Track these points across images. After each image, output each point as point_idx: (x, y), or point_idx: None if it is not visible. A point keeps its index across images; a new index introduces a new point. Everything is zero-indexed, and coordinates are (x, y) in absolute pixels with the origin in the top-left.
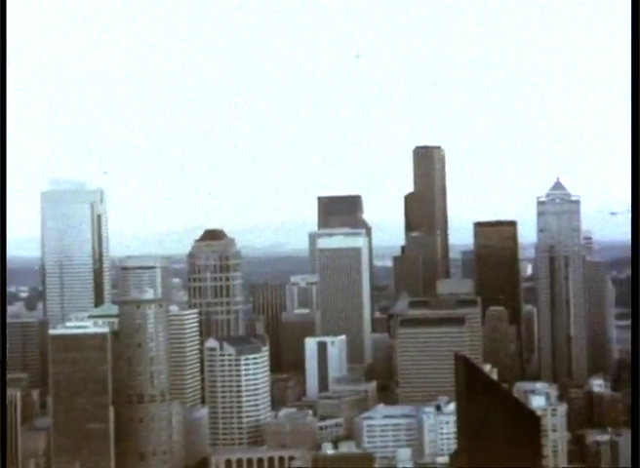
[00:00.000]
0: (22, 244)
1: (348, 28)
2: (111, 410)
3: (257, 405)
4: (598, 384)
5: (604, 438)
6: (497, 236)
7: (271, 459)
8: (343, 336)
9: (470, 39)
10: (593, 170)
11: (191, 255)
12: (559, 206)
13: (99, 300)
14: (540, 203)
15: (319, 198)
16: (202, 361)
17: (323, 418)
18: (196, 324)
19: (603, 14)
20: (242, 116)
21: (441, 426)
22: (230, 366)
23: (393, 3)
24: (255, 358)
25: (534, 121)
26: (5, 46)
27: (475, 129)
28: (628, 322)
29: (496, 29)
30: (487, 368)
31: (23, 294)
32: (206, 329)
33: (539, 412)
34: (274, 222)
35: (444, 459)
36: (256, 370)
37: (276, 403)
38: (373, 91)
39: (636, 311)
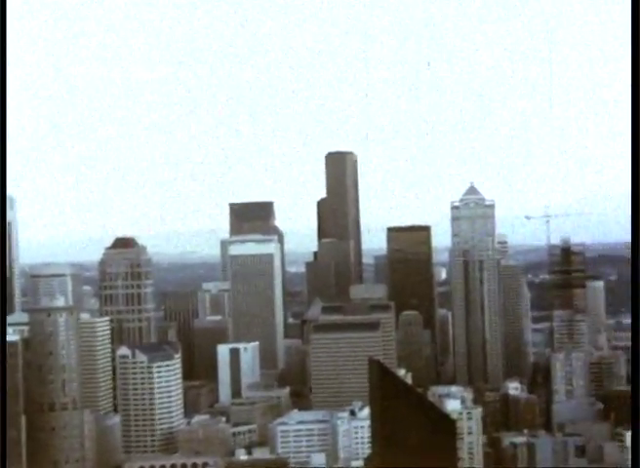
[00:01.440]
0: None
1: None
2: (23, 419)
3: (169, 412)
4: (514, 387)
5: (520, 440)
6: (410, 241)
7: (184, 466)
8: (256, 343)
9: (380, 42)
10: (508, 174)
11: (102, 263)
12: (473, 210)
13: (9, 308)
14: (455, 207)
15: (231, 205)
16: (114, 368)
17: (236, 425)
18: (108, 331)
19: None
20: (155, 124)
21: (355, 431)
22: (143, 373)
23: None
24: (167, 365)
25: (448, 126)
26: (5, 46)
27: (388, 134)
28: (543, 325)
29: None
30: (401, 372)
31: None
32: (118, 336)
33: (454, 416)
34: (186, 229)
35: (358, 464)
36: (168, 377)
37: (189, 410)
38: (283, 95)
39: (636, 311)
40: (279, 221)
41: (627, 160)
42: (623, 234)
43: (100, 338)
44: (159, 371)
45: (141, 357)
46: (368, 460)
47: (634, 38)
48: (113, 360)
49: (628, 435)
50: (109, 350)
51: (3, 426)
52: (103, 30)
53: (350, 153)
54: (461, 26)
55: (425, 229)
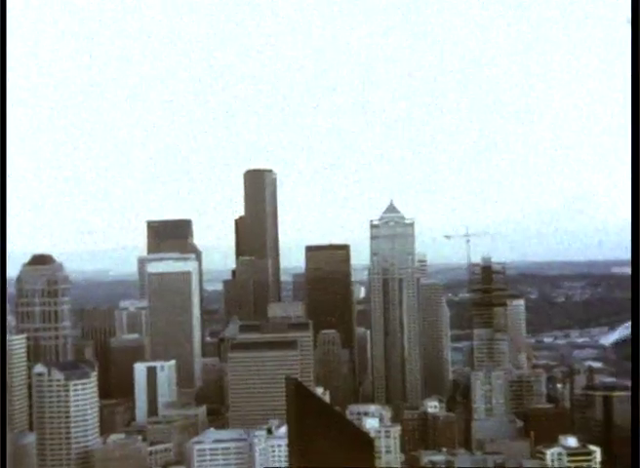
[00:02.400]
0: None
1: None
2: None
3: (85, 430)
4: (433, 405)
5: (439, 458)
6: (329, 259)
7: None
8: (173, 361)
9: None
10: (428, 193)
11: (19, 280)
12: (393, 229)
13: None
14: (374, 226)
15: (148, 222)
16: (30, 386)
17: (153, 443)
18: (24, 349)
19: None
20: (72, 141)
21: (272, 449)
22: (59, 391)
23: None
24: (83, 383)
25: (368, 145)
26: (5, 47)
27: (308, 152)
28: (463, 343)
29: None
30: (319, 391)
31: None
32: (34, 354)
33: (372, 434)
34: (104, 247)
35: None
36: (84, 395)
37: (105, 428)
38: (203, 112)
39: (636, 311)
40: (197, 239)
41: (553, 178)
42: (544, 253)
43: (17, 356)
44: (75, 390)
45: (58, 375)
46: None
47: (634, 38)
48: (29, 377)
49: (549, 453)
50: (25, 368)
51: (3, 426)
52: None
53: (269, 171)
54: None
55: (344, 248)
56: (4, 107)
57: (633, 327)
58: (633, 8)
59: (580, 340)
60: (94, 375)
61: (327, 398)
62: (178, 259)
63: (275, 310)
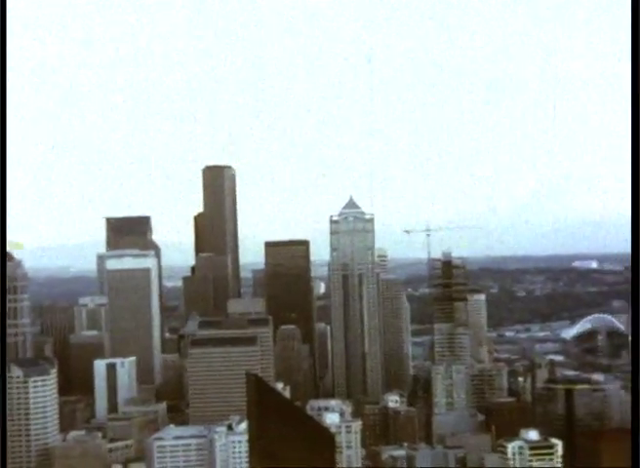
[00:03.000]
0: None
1: None
2: None
3: (45, 428)
4: (393, 400)
5: (400, 453)
6: (288, 255)
7: None
8: (133, 358)
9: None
10: (388, 188)
11: None
12: (352, 224)
13: None
14: (334, 222)
15: (107, 219)
16: None
17: (113, 440)
18: None
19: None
20: (28, 136)
21: (233, 445)
22: (18, 388)
23: None
24: (43, 380)
25: (328, 140)
26: (5, 47)
27: (268, 148)
28: (424, 338)
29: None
30: (279, 386)
31: None
32: None
33: (333, 429)
34: (62, 243)
35: None
36: (44, 392)
37: (65, 425)
38: (161, 107)
39: (636, 311)
40: (156, 236)
41: (514, 173)
42: (505, 247)
43: None
44: (35, 387)
45: (17, 372)
46: None
47: (634, 38)
48: None
49: (510, 446)
50: None
51: (3, 426)
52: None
53: (228, 167)
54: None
55: (304, 243)
56: (4, 108)
57: (633, 326)
58: (633, 8)
59: (542, 334)
60: (53, 372)
61: (287, 393)
62: (137, 256)
63: (235, 306)
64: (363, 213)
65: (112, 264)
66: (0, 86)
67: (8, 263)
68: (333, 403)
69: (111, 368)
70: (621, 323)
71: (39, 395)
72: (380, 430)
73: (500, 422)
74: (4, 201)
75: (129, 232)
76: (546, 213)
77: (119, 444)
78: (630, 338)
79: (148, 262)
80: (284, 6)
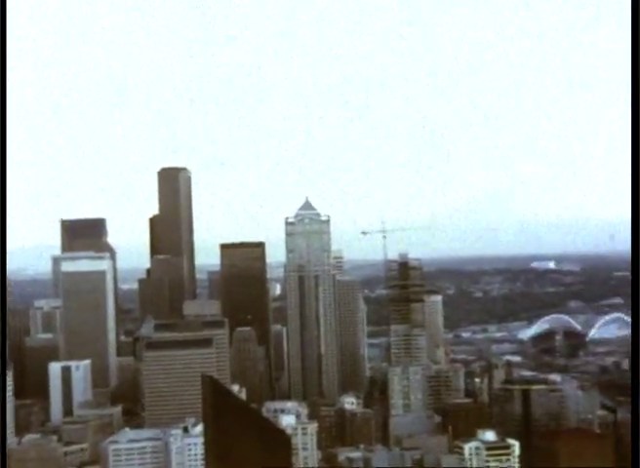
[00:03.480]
0: None
1: None
2: None
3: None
4: (349, 402)
5: (356, 454)
6: (244, 257)
7: None
8: (88, 361)
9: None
10: (344, 190)
11: None
12: (308, 226)
13: None
14: (289, 223)
15: (62, 221)
16: None
17: (68, 443)
18: None
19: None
20: None
21: (189, 448)
22: None
23: None
24: None
25: (283, 142)
26: (5, 46)
27: (223, 149)
28: (380, 339)
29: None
30: (235, 388)
31: None
32: None
33: (289, 431)
34: (17, 246)
35: None
36: None
37: (20, 428)
38: (116, 108)
39: (636, 310)
40: (111, 238)
41: (472, 173)
42: (462, 248)
43: None
44: None
45: None
46: None
47: (634, 38)
48: None
49: (467, 447)
50: None
51: (3, 426)
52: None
53: (184, 169)
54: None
55: (259, 245)
56: (4, 108)
57: (633, 326)
58: (633, 8)
59: (499, 335)
60: (8, 375)
61: (243, 395)
62: (92, 258)
63: (190, 308)
64: (319, 214)
65: (67, 267)
66: (0, 86)
67: None
68: (289, 404)
69: (66, 371)
70: (578, 323)
71: None
72: (337, 432)
73: (457, 423)
74: (4, 201)
75: (84, 234)
76: (503, 214)
77: (74, 447)
78: (631, 340)
79: (103, 265)
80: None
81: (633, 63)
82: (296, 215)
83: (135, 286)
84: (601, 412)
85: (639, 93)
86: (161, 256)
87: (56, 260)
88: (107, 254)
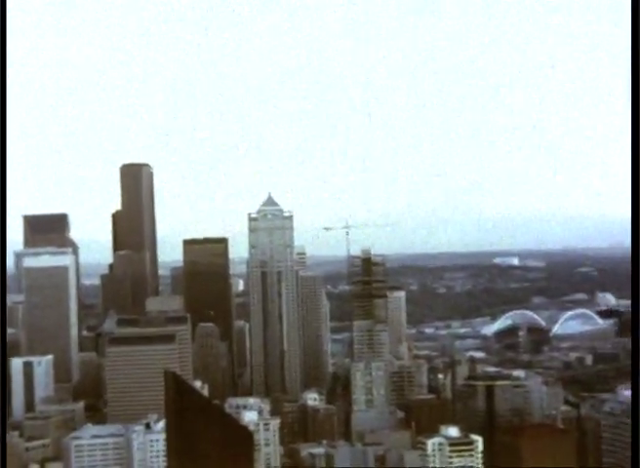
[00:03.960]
0: None
1: None
2: None
3: None
4: (312, 397)
5: (318, 450)
6: (206, 253)
7: None
8: (50, 356)
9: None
10: (307, 185)
11: None
12: (271, 222)
13: None
14: (252, 219)
15: (24, 216)
16: None
17: (30, 439)
18: None
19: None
20: None
21: (151, 444)
22: None
23: None
24: None
25: (246, 137)
26: (5, 46)
27: (186, 145)
28: (343, 335)
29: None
30: (198, 384)
31: None
32: None
33: (251, 427)
34: None
35: None
36: None
37: None
38: (78, 105)
39: (636, 311)
40: (74, 233)
41: (437, 169)
42: (426, 244)
43: None
44: None
45: None
46: None
47: (634, 38)
48: None
49: (430, 443)
50: None
51: (3, 426)
52: None
53: (146, 165)
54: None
55: (222, 241)
56: (4, 107)
57: (633, 326)
58: (633, 8)
59: (462, 331)
60: None
61: (205, 391)
62: (54, 254)
63: (153, 304)
64: (281, 210)
65: (30, 262)
66: (0, 86)
67: None
68: (251, 401)
69: (28, 366)
70: (542, 319)
71: None
72: (299, 428)
73: (420, 419)
74: (4, 201)
75: (46, 230)
76: (466, 210)
77: (36, 443)
78: (631, 340)
79: (66, 260)
80: None
81: (633, 64)
82: (258, 211)
83: (97, 281)
84: (565, 408)
85: (639, 93)
86: (123, 252)
87: (18, 256)
88: (70, 250)
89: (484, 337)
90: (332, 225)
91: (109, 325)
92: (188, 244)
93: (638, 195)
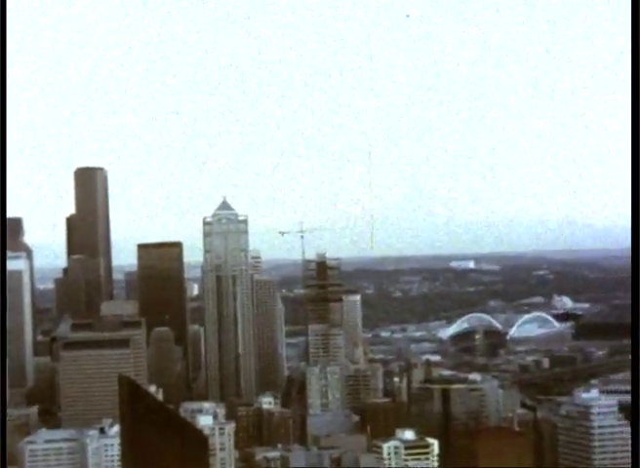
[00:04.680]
0: None
1: None
2: None
3: None
4: (267, 401)
5: (274, 454)
6: (161, 257)
7: None
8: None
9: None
10: (262, 189)
11: None
12: (226, 226)
13: None
14: (207, 223)
15: None
16: None
17: None
18: None
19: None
20: None
21: (105, 449)
22: None
23: None
24: None
25: (202, 142)
26: (5, 46)
27: (142, 149)
28: (298, 339)
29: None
30: (152, 389)
31: None
32: None
33: (206, 432)
34: None
35: None
36: None
37: None
38: (33, 108)
39: (636, 310)
40: (28, 237)
41: (391, 173)
42: (381, 249)
43: None
44: None
45: None
46: None
47: (634, 38)
48: None
49: (385, 446)
50: None
51: (3, 425)
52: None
53: (100, 169)
54: None
55: (177, 245)
56: (4, 106)
57: (633, 326)
58: (633, 8)
59: (418, 334)
60: None
61: (160, 396)
62: (8, 258)
63: (107, 308)
64: (236, 214)
65: None
66: (0, 86)
67: None
68: (206, 405)
69: None
70: (498, 322)
71: None
72: (254, 431)
73: (376, 422)
74: (4, 200)
75: None
76: (422, 214)
77: None
78: (631, 340)
79: (20, 264)
80: None
81: (633, 64)
82: (213, 215)
83: (51, 285)
84: (521, 411)
85: (639, 92)
86: (78, 256)
87: None
88: (24, 254)
89: (440, 341)
90: (287, 229)
91: (64, 329)
92: (143, 248)
93: (638, 195)
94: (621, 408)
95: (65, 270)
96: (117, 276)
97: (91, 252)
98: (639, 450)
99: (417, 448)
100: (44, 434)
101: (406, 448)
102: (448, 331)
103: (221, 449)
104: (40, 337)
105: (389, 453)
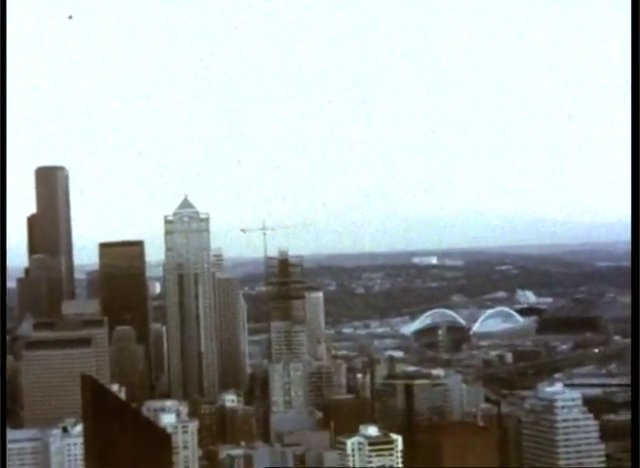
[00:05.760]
0: None
1: None
2: None
3: None
4: (230, 399)
5: (237, 452)
6: (123, 256)
7: None
8: None
9: None
10: (224, 187)
11: None
12: (187, 224)
13: None
14: (168, 222)
15: None
16: None
17: None
18: None
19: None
20: None
21: (68, 448)
22: None
23: None
24: None
25: (164, 140)
26: (5, 46)
27: (101, 148)
28: (261, 336)
29: None
30: (115, 387)
31: None
32: None
33: (169, 430)
34: None
35: None
36: None
37: None
38: None
39: (636, 310)
40: None
41: (353, 171)
42: (343, 245)
43: None
44: None
45: None
46: None
47: (634, 38)
48: None
49: (349, 442)
50: None
51: (3, 424)
52: None
53: (61, 168)
54: None
55: (138, 244)
56: (4, 106)
57: (633, 327)
58: (633, 8)
59: (381, 330)
60: None
61: (123, 395)
62: None
63: (69, 307)
64: (198, 212)
65: None
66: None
67: None
68: (169, 403)
69: None
70: (462, 317)
71: None
72: (218, 429)
73: (339, 419)
74: (4, 200)
75: None
76: (383, 210)
77: None
78: (631, 340)
79: None
80: None
81: (633, 64)
82: (174, 214)
83: (13, 285)
84: (485, 406)
85: (639, 92)
86: (39, 256)
87: None
88: None
89: (403, 337)
90: (249, 227)
91: (26, 328)
92: (104, 247)
93: (638, 195)
94: (585, 401)
95: (27, 270)
96: (79, 275)
97: (52, 251)
98: (639, 450)
99: (380, 443)
100: (7, 434)
101: (370, 445)
102: (411, 327)
103: (185, 448)
104: None
105: (353, 450)
